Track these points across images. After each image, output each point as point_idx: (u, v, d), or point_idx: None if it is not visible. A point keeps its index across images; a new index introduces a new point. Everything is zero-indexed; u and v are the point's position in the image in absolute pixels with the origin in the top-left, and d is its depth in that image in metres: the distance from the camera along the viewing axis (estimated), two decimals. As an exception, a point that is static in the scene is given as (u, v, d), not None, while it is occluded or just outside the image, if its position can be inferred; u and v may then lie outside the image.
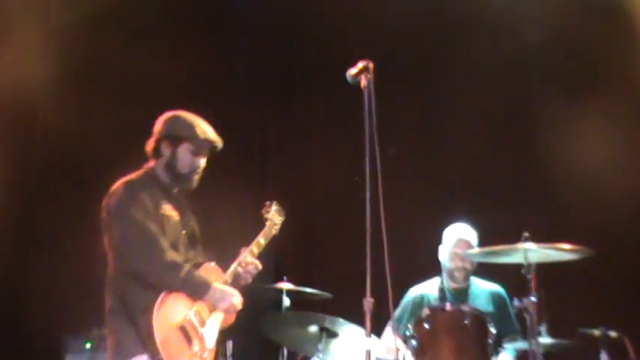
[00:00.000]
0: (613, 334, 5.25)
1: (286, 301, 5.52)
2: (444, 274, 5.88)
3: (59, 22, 6.81)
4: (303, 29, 7.62)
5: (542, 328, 4.97)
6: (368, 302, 3.91)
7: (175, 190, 4.60)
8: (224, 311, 4.42)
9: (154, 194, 4.44)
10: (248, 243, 4.76)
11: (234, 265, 4.63)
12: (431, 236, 6.07)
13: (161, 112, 4.61)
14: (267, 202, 5.02)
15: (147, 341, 4.10)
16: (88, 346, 6.24)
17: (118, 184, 4.45)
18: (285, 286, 5.58)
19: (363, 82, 4.12)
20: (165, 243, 4.30)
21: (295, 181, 6.68)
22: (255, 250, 4.73)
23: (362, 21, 7.29)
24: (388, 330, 5.54)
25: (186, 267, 4.30)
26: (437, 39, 7.21)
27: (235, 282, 4.56)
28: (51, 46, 6.73)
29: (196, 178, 4.59)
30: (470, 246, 5.76)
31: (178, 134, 4.52)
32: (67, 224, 6.67)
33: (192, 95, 6.66)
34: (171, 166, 4.52)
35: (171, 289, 4.24)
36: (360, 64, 4.15)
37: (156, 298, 4.17)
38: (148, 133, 4.58)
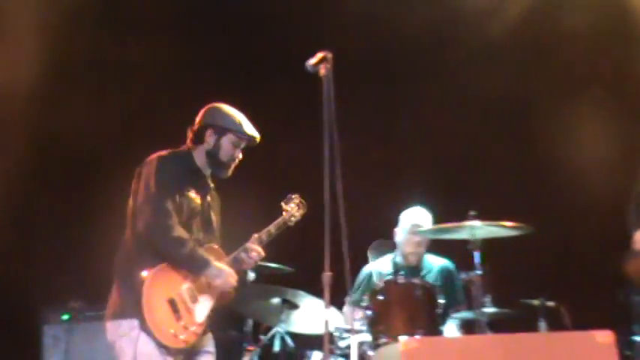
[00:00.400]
0: (550, 303, 5.42)
1: (251, 276, 5.53)
2: (398, 251, 5.99)
3: (56, 18, 6.72)
4: (265, 20, 7.53)
5: (487, 299, 5.19)
6: (326, 276, 3.98)
7: (208, 175, 4.71)
8: (219, 287, 4.49)
9: (184, 175, 4.57)
10: (260, 229, 4.82)
11: (238, 250, 4.71)
12: (385, 216, 6.21)
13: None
14: (290, 195, 5.06)
15: (137, 307, 4.22)
16: (66, 317, 6.25)
17: (154, 156, 4.56)
18: (250, 261, 5.69)
19: (322, 71, 4.14)
20: (176, 219, 4.39)
21: (257, 164, 6.73)
22: (265, 238, 4.80)
23: (324, 11, 7.26)
24: (347, 304, 5.60)
25: (191, 244, 4.40)
26: (396, 30, 7.20)
27: (235, 264, 4.64)
28: (46, 41, 6.68)
29: (232, 167, 4.73)
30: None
31: (224, 125, 4.67)
32: (46, 202, 6.67)
33: (154, 86, 6.75)
34: (213, 154, 4.66)
35: (175, 262, 4.36)
36: (320, 54, 4.18)
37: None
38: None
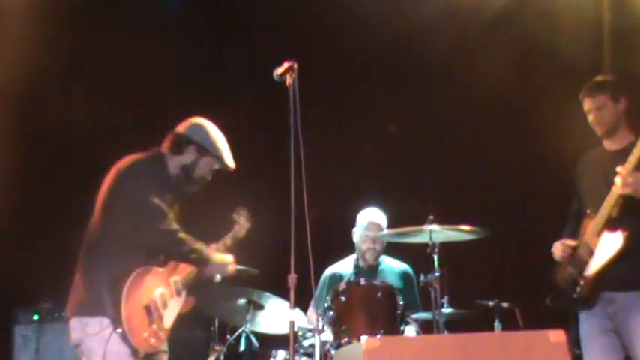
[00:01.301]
0: (505, 304, 5.45)
1: (217, 277, 5.25)
2: (358, 252, 5.99)
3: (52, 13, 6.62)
4: (232, 30, 7.54)
5: (445, 300, 5.21)
6: (292, 278, 4.02)
7: (177, 187, 4.65)
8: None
9: (163, 181, 4.51)
10: (216, 239, 4.84)
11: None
12: (347, 219, 6.16)
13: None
14: (239, 208, 5.05)
15: (113, 309, 4.16)
16: (36, 317, 6.18)
17: (134, 159, 4.50)
18: (217, 263, 5.65)
19: (288, 80, 4.18)
20: (172, 221, 4.37)
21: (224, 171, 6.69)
22: (222, 250, 4.81)
23: (288, 21, 7.24)
24: (311, 307, 5.63)
25: (188, 241, 4.39)
26: (355, 39, 7.20)
27: (200, 275, 4.64)
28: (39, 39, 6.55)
29: (198, 187, 4.69)
30: (380, 228, 5.91)
31: (208, 148, 4.61)
32: (14, 202, 6.47)
33: (122, 93, 6.68)
34: (188, 170, 4.59)
35: (178, 258, 4.38)
36: (286, 64, 4.20)
37: (128, 270, 4.23)
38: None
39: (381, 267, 6.00)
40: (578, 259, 4.68)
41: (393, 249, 6.02)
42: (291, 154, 4.03)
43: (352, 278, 5.69)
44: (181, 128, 4.67)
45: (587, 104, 4.82)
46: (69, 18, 6.69)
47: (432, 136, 7.27)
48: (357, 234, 6.03)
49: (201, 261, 4.49)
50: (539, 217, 6.62)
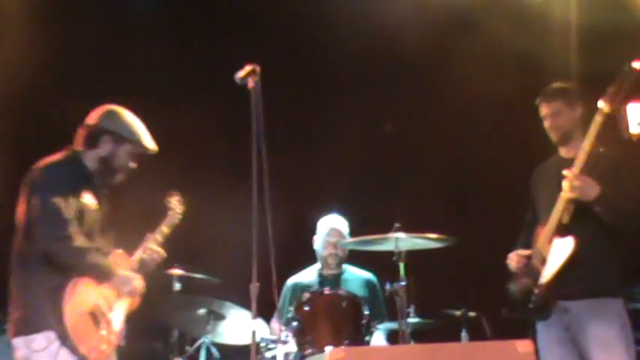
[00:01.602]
0: (472, 314, 5.49)
1: (177, 286, 5.51)
2: (320, 260, 6.00)
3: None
4: (194, 29, 7.51)
5: (411, 309, 5.26)
6: (254, 287, 3.98)
7: (99, 181, 4.53)
8: (127, 295, 4.40)
9: (78, 181, 4.38)
10: (152, 229, 4.77)
11: (139, 252, 4.63)
12: (308, 227, 6.16)
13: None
14: (171, 193, 5.00)
15: (56, 321, 4.09)
16: None
17: (44, 163, 4.37)
18: (176, 272, 5.56)
19: (251, 83, 4.17)
20: (76, 229, 4.21)
21: (186, 173, 6.65)
22: (159, 238, 4.75)
23: (250, 22, 7.25)
24: (274, 318, 5.58)
25: (93, 253, 4.25)
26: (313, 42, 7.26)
27: (141, 268, 4.57)
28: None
29: (123, 175, 4.57)
30: (341, 234, 5.93)
31: (124, 135, 4.49)
32: None
33: (79, 94, 6.58)
34: (107, 161, 4.47)
35: (78, 272, 4.20)
36: (248, 67, 4.20)
37: (63, 279, 4.16)
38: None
39: (345, 276, 6.00)
40: (531, 268, 4.67)
41: (357, 257, 6.01)
42: (253, 160, 4.00)
43: (316, 288, 5.66)
44: (92, 119, 4.53)
45: (543, 110, 4.82)
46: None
47: (398, 140, 7.31)
48: (318, 241, 6.04)
49: (101, 276, 4.30)
50: (507, 224, 6.65)
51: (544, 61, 6.34)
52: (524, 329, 4.72)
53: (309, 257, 6.09)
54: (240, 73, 4.20)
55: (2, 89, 6.37)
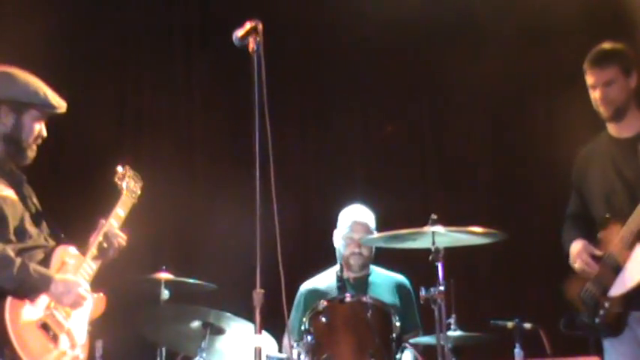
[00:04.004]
0: (527, 325, 5.40)
1: (165, 294, 5.47)
2: (340, 262, 5.93)
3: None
4: None
5: (452, 320, 5.09)
6: (258, 294, 3.88)
7: (11, 165, 4.37)
8: (71, 307, 4.23)
9: None
10: (103, 214, 4.63)
11: (96, 241, 4.47)
12: (327, 222, 6.13)
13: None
14: (119, 168, 4.81)
15: (3, 342, 3.96)
16: None
17: None
18: (164, 276, 5.48)
19: (252, 45, 4.07)
20: None
21: (174, 155, 6.61)
22: (115, 224, 4.58)
23: None
24: (286, 334, 5.47)
25: (18, 261, 4.08)
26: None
27: (99, 258, 4.45)
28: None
29: (35, 148, 4.40)
30: (367, 229, 5.86)
31: (25, 100, 4.33)
32: None
33: (55, 57, 6.56)
34: (13, 137, 4.33)
35: (5, 289, 4.03)
36: (248, 25, 4.09)
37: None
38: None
39: (371, 279, 5.93)
40: (600, 274, 4.66)
41: (386, 257, 5.94)
42: (256, 138, 3.93)
43: (335, 294, 5.63)
44: None
45: (592, 78, 4.77)
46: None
47: (435, 115, 7.35)
48: (338, 237, 5.95)
49: (33, 289, 4.12)
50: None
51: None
52: (585, 340, 4.67)
53: (327, 257, 6.04)
54: (239, 32, 4.10)
55: None
